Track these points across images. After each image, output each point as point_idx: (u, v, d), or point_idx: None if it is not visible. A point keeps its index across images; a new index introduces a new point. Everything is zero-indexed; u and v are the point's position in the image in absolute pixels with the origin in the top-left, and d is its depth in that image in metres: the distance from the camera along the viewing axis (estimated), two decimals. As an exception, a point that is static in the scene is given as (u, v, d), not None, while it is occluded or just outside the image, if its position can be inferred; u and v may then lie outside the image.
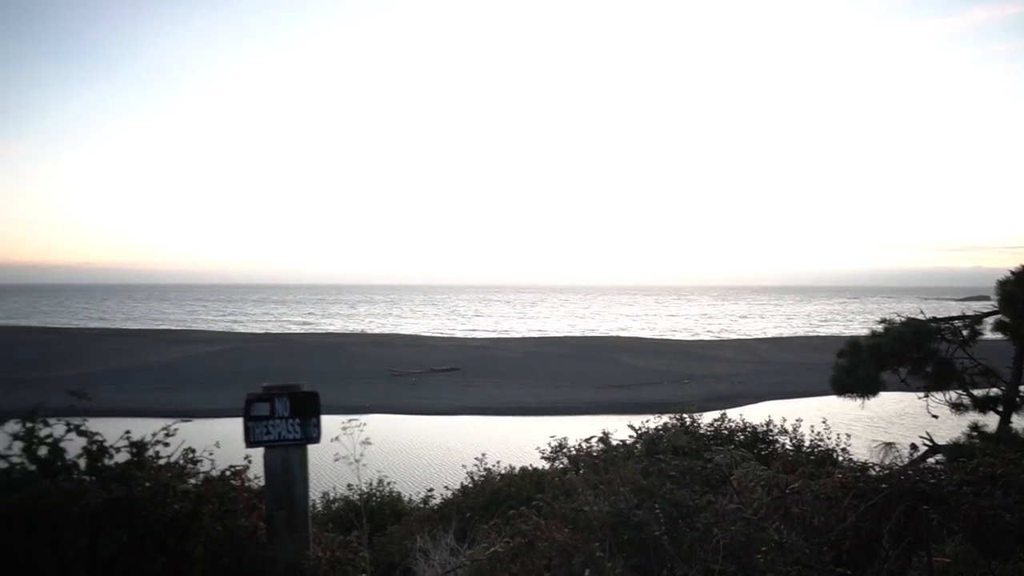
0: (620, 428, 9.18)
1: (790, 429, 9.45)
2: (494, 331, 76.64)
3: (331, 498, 10.42)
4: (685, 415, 9.51)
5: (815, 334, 71.88)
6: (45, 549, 3.34)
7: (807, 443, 9.20)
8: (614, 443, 7.75)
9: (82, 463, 3.86)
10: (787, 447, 9.03)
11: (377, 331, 74.51)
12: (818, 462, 7.65)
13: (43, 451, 3.81)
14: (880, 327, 9.41)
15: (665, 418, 9.59)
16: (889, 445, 8.59)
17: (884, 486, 4.60)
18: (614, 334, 71.52)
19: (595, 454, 7.45)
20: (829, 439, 9.37)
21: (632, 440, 8.55)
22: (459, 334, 72.18)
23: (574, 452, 8.65)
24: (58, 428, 3.91)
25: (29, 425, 3.83)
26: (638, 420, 9.75)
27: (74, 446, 3.94)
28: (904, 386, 9.37)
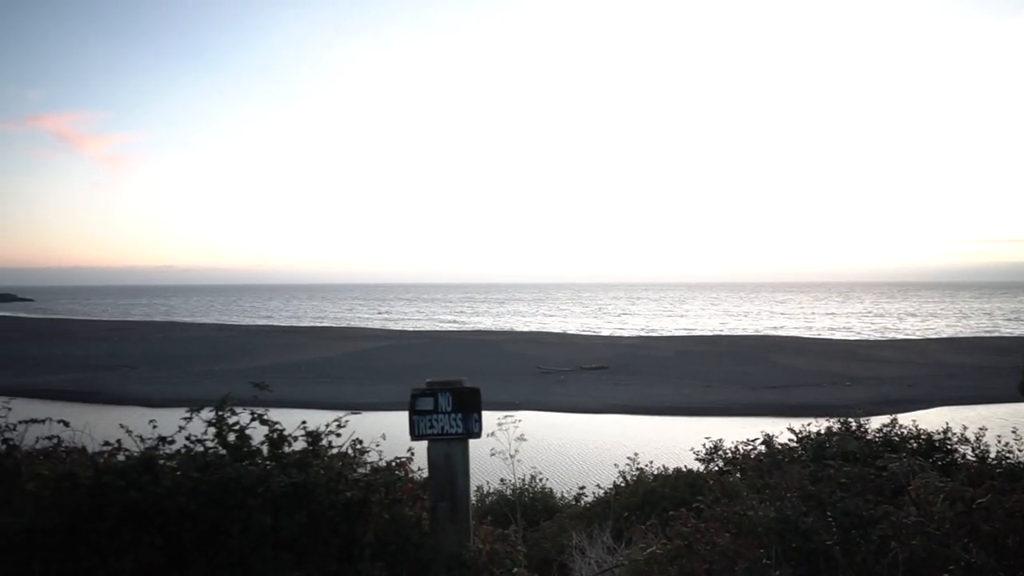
0: (776, 431, 8.80)
1: (972, 438, 8.68)
2: (643, 329, 75.61)
3: (484, 492, 10.67)
4: (851, 419, 8.97)
5: (997, 335, 65.77)
6: (236, 526, 3.62)
7: (993, 454, 8.42)
8: (777, 446, 7.44)
9: (265, 450, 4.16)
10: (969, 458, 8.30)
11: (525, 329, 75.50)
12: (1009, 476, 6.98)
13: (232, 437, 4.15)
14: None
15: (827, 421, 9.09)
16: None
17: (1092, 505, 4.12)
18: (769, 333, 68.66)
19: (756, 456, 7.17)
20: (1021, 451, 8.52)
21: (793, 444, 8.17)
22: (607, 332, 71.79)
23: (730, 454, 8.38)
24: (244, 416, 4.25)
25: (220, 413, 4.18)
26: (796, 423, 9.30)
27: (257, 434, 4.26)
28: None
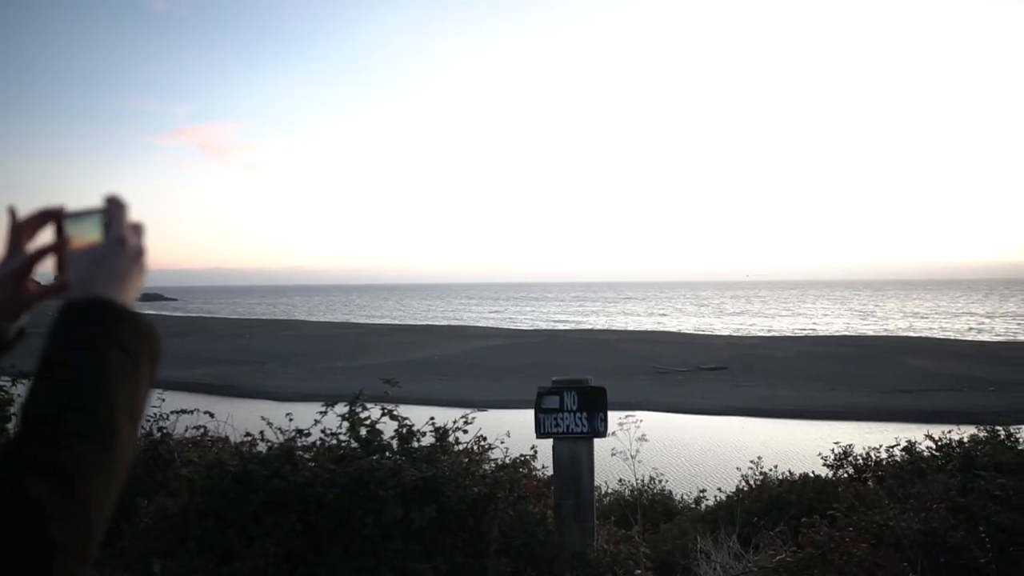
0: (914, 438, 8.31)
1: None
2: (764, 329, 73.15)
3: (603, 492, 10.60)
4: (999, 427, 8.36)
5: None
6: (369, 517, 3.77)
7: None
8: (919, 452, 7.04)
9: (395, 444, 4.31)
10: None
11: (640, 328, 74.58)
12: None
13: (363, 431, 4.32)
14: None
15: (973, 429, 8.50)
16: None
17: None
18: (899, 333, 64.92)
19: (896, 464, 6.80)
20: None
21: (935, 452, 7.69)
22: (725, 331, 69.90)
23: (862, 461, 7.99)
24: (374, 412, 4.41)
25: (353, 408, 4.36)
26: (931, 429, 8.74)
27: (387, 428, 4.41)
28: None
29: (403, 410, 4.63)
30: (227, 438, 5.66)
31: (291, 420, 4.55)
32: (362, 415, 4.40)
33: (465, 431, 4.44)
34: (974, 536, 3.36)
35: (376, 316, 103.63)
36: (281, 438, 4.37)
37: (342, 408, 4.41)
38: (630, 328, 74.34)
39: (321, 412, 4.44)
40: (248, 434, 4.73)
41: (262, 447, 4.40)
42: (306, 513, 3.86)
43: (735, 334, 66.87)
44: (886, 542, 3.67)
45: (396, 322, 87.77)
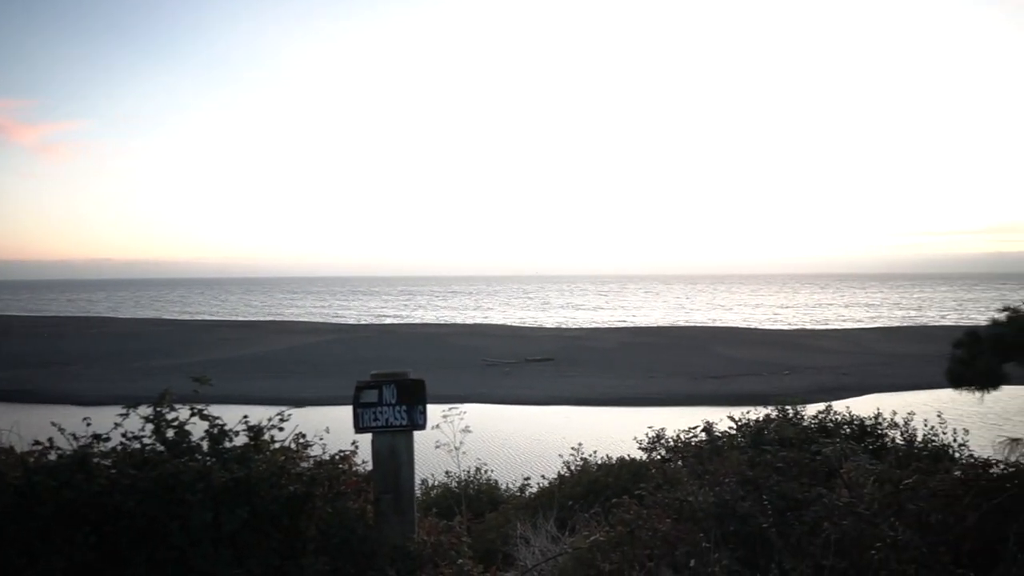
0: (719, 419, 9.01)
1: (901, 423, 9.03)
2: (587, 321, 76.35)
3: (430, 484, 10.66)
4: (788, 406, 9.24)
5: (928, 324, 68.35)
6: (175, 523, 3.56)
7: (920, 438, 8.78)
8: (717, 434, 7.62)
9: (205, 445, 4.10)
10: (898, 441, 8.64)
11: (469, 321, 75.50)
12: (933, 458, 7.29)
13: (170, 433, 4.07)
14: (1003, 316, 8.85)
15: (766, 409, 9.34)
16: (1015, 441, 8.09)
17: (1010, 485, 4.34)
18: (710, 324, 70.05)
19: (697, 444, 7.34)
20: (945, 434, 8.90)
21: (734, 431, 8.38)
22: (551, 324, 72.27)
23: (672, 443, 8.55)
24: (183, 412, 4.17)
25: (158, 409, 4.10)
26: (737, 411, 9.53)
27: (197, 429, 4.19)
28: (1029, 379, 8.80)
29: (221, 410, 4.42)
30: (12, 448, 5.12)
31: (89, 425, 4.20)
32: (169, 416, 4.14)
33: (281, 429, 4.29)
34: (759, 505, 3.71)
35: (194, 312, 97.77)
36: (75, 445, 4.03)
37: (146, 410, 4.13)
38: (459, 321, 75.13)
39: (122, 415, 4.12)
40: (37, 442, 4.32)
41: (54, 456, 4.03)
42: (103, 524, 3.59)
43: (560, 326, 69.35)
44: (686, 516, 3.96)
45: (220, 318, 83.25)
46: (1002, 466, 4.83)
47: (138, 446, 3.99)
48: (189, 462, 3.82)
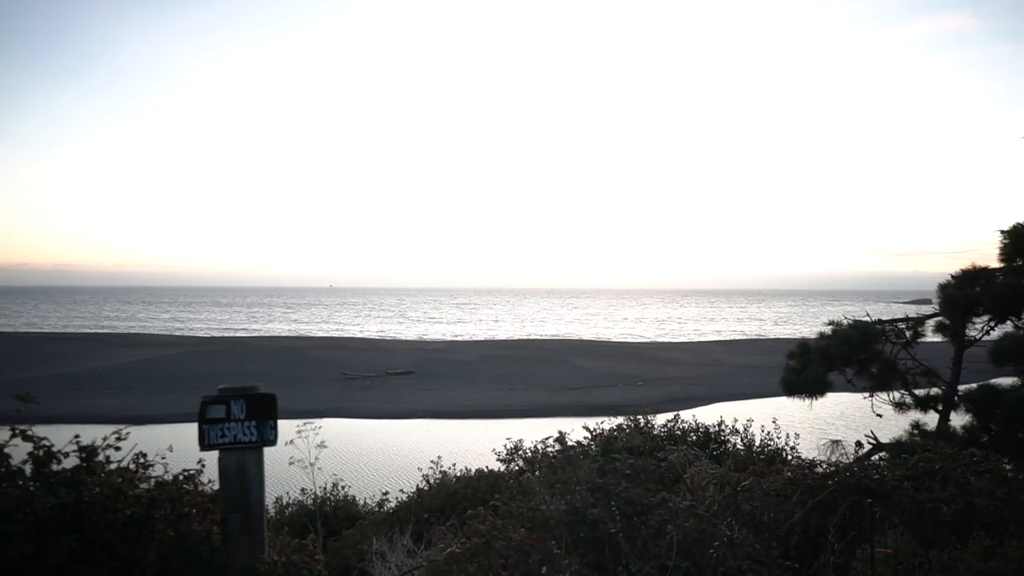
0: (575, 429, 9.27)
1: (741, 429, 9.65)
2: (448, 335, 76.41)
3: (284, 503, 10.31)
4: (639, 416, 9.65)
5: (766, 336, 73.28)
6: (-9, 557, 3.26)
7: (758, 442, 9.42)
8: (570, 444, 7.82)
9: (28, 469, 3.77)
10: (738, 446, 9.22)
11: (327, 335, 73.71)
12: (768, 460, 7.84)
13: (-14, 457, 3.72)
14: (828, 329, 9.65)
15: (620, 419, 9.72)
16: (836, 443, 8.82)
17: (831, 482, 4.74)
18: (568, 337, 71.91)
19: (551, 454, 7.51)
20: (779, 438, 9.60)
21: (588, 441, 8.65)
22: (412, 337, 71.81)
23: (530, 453, 8.71)
24: (2, 434, 3.82)
25: (-29, 430, 3.74)
26: (592, 422, 9.86)
27: (19, 452, 3.85)
28: (850, 386, 9.63)
29: (55, 430, 4.09)
30: None
31: None
32: (-15, 439, 3.79)
33: (119, 448, 4.02)
34: (608, 511, 3.84)
35: (25, 323, 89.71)
36: None
37: (-44, 432, 3.76)
38: (318, 335, 73.17)
39: (-76, 438, 3.74)
40: None
41: None
42: (-99, 562, 3.23)
43: (421, 338, 69.04)
44: (539, 525, 4.04)
45: (52, 330, 76.72)
46: (825, 465, 5.26)
47: (-53, 472, 3.63)
48: (8, 488, 3.51)
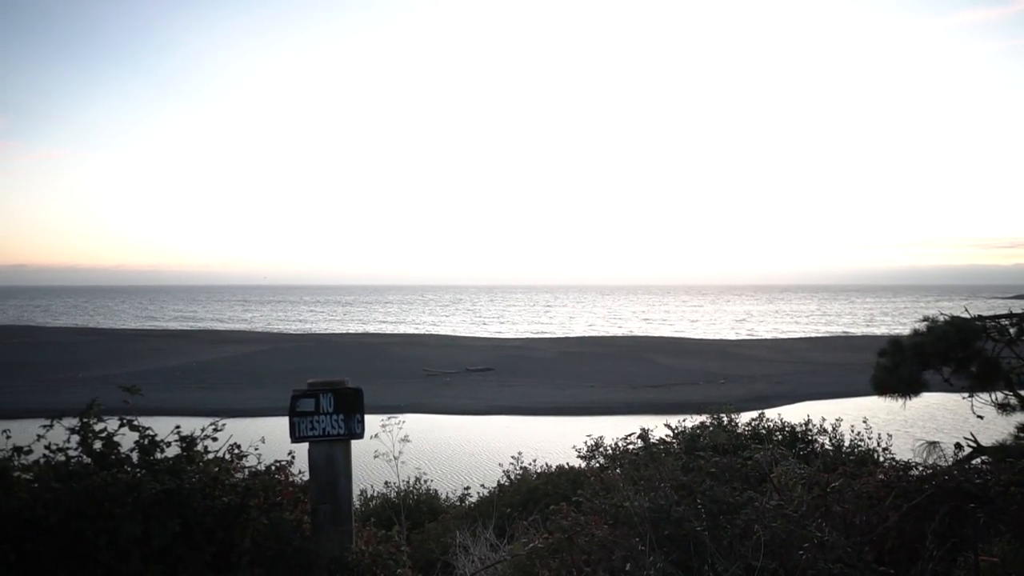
0: (657, 427, 9.17)
1: (829, 429, 9.34)
2: (527, 331, 76.61)
3: (369, 495, 10.54)
4: (722, 414, 9.46)
5: (855, 334, 70.71)
6: (102, 538, 3.45)
7: (847, 443, 9.09)
8: (653, 441, 7.75)
9: (135, 457, 3.98)
10: (827, 446, 8.93)
11: (410, 332, 74.96)
12: (859, 462, 7.57)
13: (98, 445, 3.94)
14: (923, 326, 9.22)
15: (702, 417, 9.55)
16: (932, 445, 8.42)
17: (928, 486, 4.55)
18: (648, 334, 71.07)
19: (634, 452, 7.45)
20: (870, 439, 9.24)
21: (670, 439, 8.53)
22: (491, 334, 72.29)
23: (611, 451, 8.66)
24: (111, 423, 4.04)
25: (84, 420, 3.96)
26: (674, 420, 9.72)
27: (127, 441, 4.06)
28: (947, 386, 9.17)
29: (155, 421, 4.30)
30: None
31: (9, 438, 4.04)
32: (97, 427, 4.01)
33: (215, 439, 4.20)
34: (693, 509, 3.79)
35: (126, 320, 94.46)
36: (-7, 458, 3.86)
37: (72, 421, 4.00)
38: (399, 331, 74.52)
39: (45, 426, 3.98)
40: (-53, 458, 4.12)
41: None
42: (25, 541, 3.45)
43: (501, 336, 69.44)
44: (622, 521, 4.02)
45: (148, 327, 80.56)
46: (921, 468, 5.04)
47: (63, 458, 3.86)
48: (118, 474, 3.71)
